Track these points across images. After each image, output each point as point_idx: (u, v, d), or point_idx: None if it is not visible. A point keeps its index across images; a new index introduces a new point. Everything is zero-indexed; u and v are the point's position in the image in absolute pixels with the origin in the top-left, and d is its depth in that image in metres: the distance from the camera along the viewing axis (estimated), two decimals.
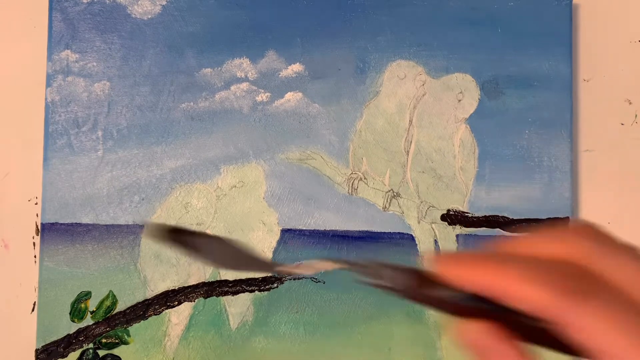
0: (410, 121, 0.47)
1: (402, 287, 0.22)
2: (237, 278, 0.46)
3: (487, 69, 0.47)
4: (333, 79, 0.47)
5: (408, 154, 0.47)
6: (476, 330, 0.22)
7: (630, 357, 0.19)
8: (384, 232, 0.46)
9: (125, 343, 0.46)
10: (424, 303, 0.22)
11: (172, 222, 0.47)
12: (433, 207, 0.47)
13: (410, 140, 0.47)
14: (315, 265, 0.23)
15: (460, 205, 0.47)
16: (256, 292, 0.46)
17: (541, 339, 0.21)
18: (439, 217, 0.47)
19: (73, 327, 0.46)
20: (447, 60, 0.47)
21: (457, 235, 0.46)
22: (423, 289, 0.21)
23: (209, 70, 0.48)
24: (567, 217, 0.46)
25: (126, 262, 0.46)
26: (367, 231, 0.46)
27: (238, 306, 0.46)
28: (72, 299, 0.46)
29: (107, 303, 0.46)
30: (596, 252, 0.20)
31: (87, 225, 0.46)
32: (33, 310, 0.48)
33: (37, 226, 0.48)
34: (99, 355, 0.46)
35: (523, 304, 0.20)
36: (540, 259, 0.20)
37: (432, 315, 0.46)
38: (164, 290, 0.46)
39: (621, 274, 0.20)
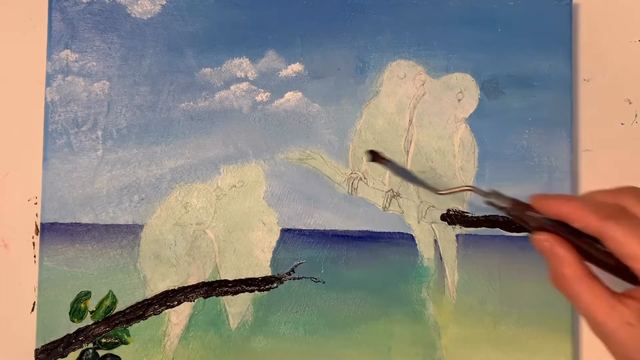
0: (410, 121, 0.47)
1: (511, 209, 0.35)
2: (237, 278, 0.46)
3: (487, 69, 0.47)
4: (333, 79, 0.47)
5: (408, 154, 0.47)
6: (547, 238, 0.33)
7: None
8: (384, 232, 0.46)
9: (125, 343, 0.46)
10: (521, 221, 0.35)
11: (172, 221, 0.46)
12: (433, 207, 0.46)
13: (410, 140, 0.47)
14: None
15: (460, 205, 0.46)
16: (256, 292, 0.46)
17: (592, 255, 0.33)
18: (439, 217, 0.47)
19: (73, 327, 0.46)
20: (447, 60, 0.47)
21: (457, 235, 0.46)
22: (523, 212, 0.35)
23: (208, 70, 0.48)
24: None
25: (126, 262, 0.46)
26: (367, 231, 0.46)
27: (238, 306, 0.46)
28: (72, 298, 0.46)
29: (107, 303, 0.46)
30: (635, 202, 0.32)
31: (86, 225, 0.46)
32: (33, 310, 0.48)
33: (36, 226, 0.48)
34: (98, 355, 0.46)
35: (580, 224, 0.32)
36: (598, 198, 0.33)
37: (432, 315, 0.46)
38: (163, 290, 0.46)
39: None
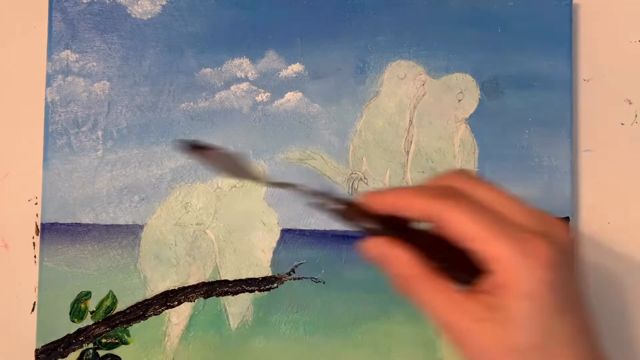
0: (410, 121, 0.47)
1: (340, 211, 0.30)
2: (237, 278, 0.46)
3: (487, 69, 0.47)
4: (333, 79, 0.47)
5: (408, 154, 0.47)
6: (378, 242, 0.29)
7: (482, 238, 0.26)
8: None
9: (125, 343, 0.46)
10: (356, 225, 0.30)
11: (172, 222, 0.47)
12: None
13: (410, 140, 0.47)
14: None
15: None
16: (256, 292, 0.46)
17: (428, 245, 0.29)
18: None
19: (73, 327, 0.46)
20: (447, 60, 0.47)
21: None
22: (357, 214, 0.30)
23: (209, 70, 0.48)
24: (567, 217, 0.46)
25: (126, 262, 0.46)
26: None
27: (238, 306, 0.46)
28: (72, 299, 0.46)
29: (107, 303, 0.46)
30: (468, 180, 0.29)
31: (87, 225, 0.46)
32: (33, 310, 0.48)
33: (37, 226, 0.48)
34: (98, 355, 0.46)
35: (419, 212, 0.28)
36: (430, 185, 0.30)
37: None
38: (164, 290, 0.46)
39: (492, 195, 0.28)
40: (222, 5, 0.48)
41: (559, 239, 0.26)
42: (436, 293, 0.28)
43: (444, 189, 0.28)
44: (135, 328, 0.46)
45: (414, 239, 0.29)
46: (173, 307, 0.46)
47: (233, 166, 0.34)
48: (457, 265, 0.28)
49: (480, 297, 0.27)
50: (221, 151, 0.34)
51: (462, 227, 0.27)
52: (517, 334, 0.26)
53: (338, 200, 0.30)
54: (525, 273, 0.25)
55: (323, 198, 0.30)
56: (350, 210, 0.30)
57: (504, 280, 0.26)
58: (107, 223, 0.46)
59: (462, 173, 0.30)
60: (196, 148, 0.33)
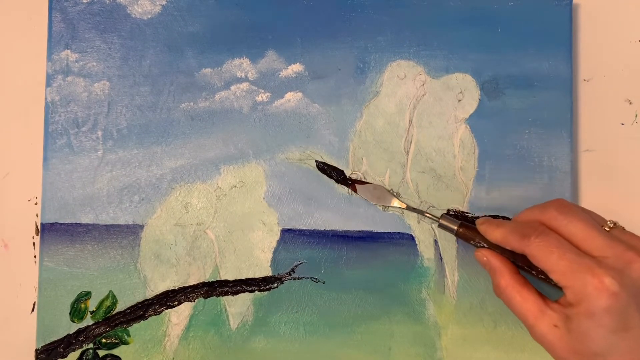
0: (410, 121, 0.47)
1: (460, 232, 0.42)
2: (237, 278, 0.46)
3: (487, 69, 0.47)
4: (333, 79, 0.47)
5: (408, 154, 0.47)
6: (484, 253, 0.39)
7: (559, 271, 0.33)
8: (384, 232, 0.46)
9: (125, 343, 0.46)
10: (469, 241, 0.41)
11: (172, 222, 0.47)
12: (433, 207, 0.47)
13: (410, 140, 0.47)
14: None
15: (460, 205, 0.47)
16: (256, 292, 0.46)
17: (527, 261, 0.37)
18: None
19: (73, 327, 0.46)
20: (447, 60, 0.47)
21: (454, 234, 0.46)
22: (472, 234, 0.41)
23: (209, 70, 0.48)
24: None
25: (126, 262, 0.46)
26: (367, 231, 0.46)
27: (238, 306, 0.46)
28: (72, 299, 0.46)
29: (107, 303, 0.46)
30: (555, 215, 0.35)
31: (87, 225, 0.46)
32: (33, 310, 0.48)
33: (37, 226, 0.48)
34: (99, 355, 0.46)
35: (509, 248, 0.37)
36: (521, 220, 0.38)
37: (432, 315, 0.46)
38: (164, 290, 0.46)
39: (574, 229, 0.34)
40: (222, 5, 0.48)
41: (627, 270, 0.32)
42: (523, 301, 0.36)
43: (528, 225, 0.36)
44: (135, 328, 0.46)
45: (515, 255, 0.38)
46: (173, 307, 0.46)
47: (381, 196, 0.46)
48: (547, 277, 0.37)
49: (558, 309, 0.35)
50: (371, 185, 0.46)
51: (543, 262, 0.34)
52: (580, 342, 0.33)
53: (463, 224, 0.42)
54: (589, 301, 0.32)
55: (446, 220, 0.42)
56: (467, 231, 0.41)
57: (573, 302, 0.33)
58: (107, 223, 0.46)
59: (554, 206, 0.36)
60: (352, 182, 0.46)
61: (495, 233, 0.38)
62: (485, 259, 0.39)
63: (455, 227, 0.42)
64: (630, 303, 0.32)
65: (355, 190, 0.46)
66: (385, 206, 0.46)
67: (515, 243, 0.36)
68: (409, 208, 0.45)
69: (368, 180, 0.47)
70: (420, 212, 0.45)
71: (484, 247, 0.40)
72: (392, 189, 0.47)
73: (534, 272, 0.38)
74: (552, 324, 0.34)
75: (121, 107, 0.47)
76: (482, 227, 0.39)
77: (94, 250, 0.46)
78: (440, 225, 0.42)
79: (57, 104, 0.47)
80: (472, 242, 0.41)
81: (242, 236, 0.46)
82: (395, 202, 0.46)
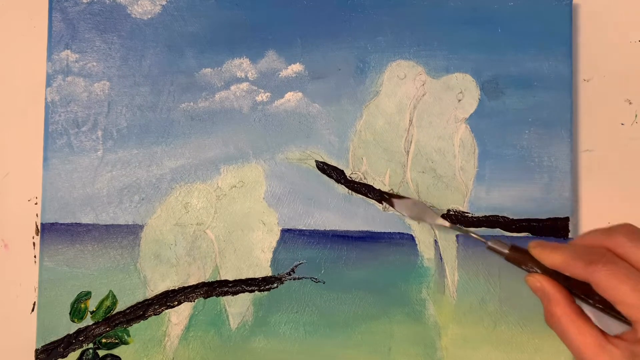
0: (410, 121, 0.47)
1: (509, 255, 0.39)
2: (237, 278, 0.46)
3: (487, 69, 0.47)
4: (333, 79, 0.47)
5: (408, 154, 0.47)
6: (538, 278, 0.36)
7: (628, 302, 0.31)
8: (384, 232, 0.46)
9: (125, 343, 0.46)
10: (520, 265, 0.38)
11: (172, 222, 0.47)
12: (433, 207, 0.47)
13: (410, 140, 0.47)
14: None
15: (460, 205, 0.47)
16: (256, 292, 0.46)
17: (584, 288, 0.34)
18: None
19: (73, 327, 0.46)
20: (447, 60, 0.47)
21: (457, 236, 0.46)
22: (522, 257, 0.38)
23: (209, 70, 0.48)
24: (567, 217, 0.46)
25: (126, 262, 0.46)
26: (367, 231, 0.46)
27: (238, 306, 0.46)
28: (72, 299, 0.46)
29: (107, 303, 0.46)
30: (624, 241, 0.32)
31: (87, 225, 0.46)
32: (33, 310, 0.48)
33: (37, 226, 0.48)
34: (98, 355, 0.46)
35: (570, 274, 0.34)
36: (585, 244, 0.35)
37: (432, 315, 0.46)
38: (164, 290, 0.46)
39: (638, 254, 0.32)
40: (222, 5, 0.48)
41: None
42: (580, 335, 0.33)
43: (595, 251, 0.33)
44: (135, 328, 0.46)
45: (569, 281, 0.35)
46: (173, 307, 0.46)
47: (421, 212, 0.45)
48: (612, 308, 0.33)
49: (621, 344, 0.32)
50: (409, 200, 0.45)
51: (610, 291, 0.31)
52: None
53: (507, 245, 0.39)
54: None
55: (495, 244, 0.39)
56: (517, 254, 0.38)
57: None
58: (107, 223, 0.46)
59: (622, 232, 0.33)
60: (389, 196, 0.45)
61: (553, 258, 0.35)
62: (538, 284, 0.36)
63: (506, 251, 0.39)
64: None
65: (392, 205, 0.45)
66: (421, 221, 0.45)
67: (578, 270, 0.33)
68: (453, 227, 0.44)
69: (402, 194, 0.46)
70: (467, 233, 0.43)
71: (536, 272, 0.37)
72: (391, 189, 0.47)
73: (590, 302, 0.35)
74: None
75: (121, 107, 0.47)
76: (536, 251, 0.36)
77: (94, 250, 0.46)
78: (489, 248, 0.40)
79: (57, 104, 0.47)
80: (523, 267, 0.38)
81: (242, 236, 0.46)
82: (439, 220, 0.44)
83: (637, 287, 0.31)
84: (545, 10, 0.47)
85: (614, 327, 0.34)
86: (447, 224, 0.44)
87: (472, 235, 0.42)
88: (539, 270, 0.37)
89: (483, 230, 0.46)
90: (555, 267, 0.35)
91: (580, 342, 0.33)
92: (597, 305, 0.35)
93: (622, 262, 0.32)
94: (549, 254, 0.35)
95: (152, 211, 0.47)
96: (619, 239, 0.33)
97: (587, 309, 0.35)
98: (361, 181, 0.47)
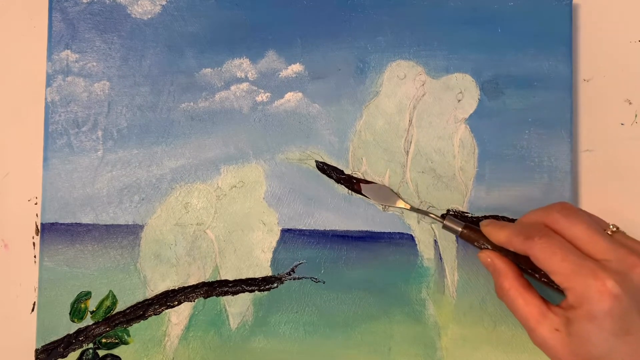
0: (410, 121, 0.47)
1: (463, 233, 0.42)
2: (237, 278, 0.46)
3: (487, 69, 0.47)
4: (333, 80, 0.47)
5: (408, 154, 0.47)
6: (488, 254, 0.39)
7: (561, 272, 0.33)
8: (384, 232, 0.46)
9: (125, 343, 0.46)
10: (473, 243, 0.41)
11: (172, 222, 0.47)
12: (433, 207, 0.47)
13: (410, 140, 0.47)
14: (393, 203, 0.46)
15: (460, 205, 0.47)
16: (256, 292, 0.46)
17: (529, 264, 0.37)
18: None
19: (73, 327, 0.46)
20: (447, 61, 0.47)
21: (457, 236, 0.46)
22: (475, 235, 0.41)
23: (209, 70, 0.48)
24: None
25: (126, 262, 0.46)
26: (367, 231, 0.46)
27: (238, 306, 0.46)
28: (72, 299, 0.46)
29: (107, 303, 0.46)
30: (558, 217, 0.35)
31: (87, 225, 0.46)
32: (33, 310, 0.48)
33: (37, 226, 0.48)
34: (98, 355, 0.46)
35: (512, 249, 0.37)
36: (525, 222, 0.37)
37: (432, 315, 0.46)
38: (164, 290, 0.46)
39: (577, 232, 0.34)
40: (222, 5, 0.48)
41: (630, 274, 0.32)
42: (526, 305, 0.36)
43: (532, 226, 0.36)
44: (135, 328, 0.46)
45: (518, 257, 0.38)
46: (173, 307, 0.46)
47: (385, 196, 0.46)
48: (552, 280, 0.35)
49: (559, 312, 0.34)
50: (375, 184, 0.46)
51: (544, 262, 0.34)
52: (581, 346, 0.33)
53: (467, 225, 0.41)
54: (591, 304, 0.32)
55: (450, 222, 0.42)
56: (471, 233, 0.41)
57: (575, 304, 0.33)
58: (107, 223, 0.46)
59: (557, 209, 0.36)
60: (357, 181, 0.46)
61: (499, 234, 0.38)
62: (489, 260, 0.39)
63: (460, 229, 0.41)
64: (632, 307, 0.32)
65: (360, 189, 0.46)
66: (386, 206, 0.46)
67: (518, 244, 0.36)
68: (412, 209, 0.45)
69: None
70: (424, 213, 0.45)
71: (487, 248, 0.40)
72: (391, 189, 0.47)
73: (537, 275, 0.38)
74: (554, 328, 0.34)
75: (121, 107, 0.47)
76: (486, 229, 0.39)
77: (94, 250, 0.46)
78: (444, 227, 0.42)
79: (57, 104, 0.47)
80: (475, 243, 0.41)
81: (242, 236, 0.46)
82: (400, 203, 0.46)
83: (567, 257, 0.33)
84: (545, 10, 0.47)
85: (559, 300, 0.36)
86: (408, 206, 0.45)
87: (431, 215, 0.44)
88: (490, 247, 0.40)
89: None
90: (500, 244, 0.38)
91: (526, 312, 0.35)
92: (542, 279, 0.38)
93: (556, 236, 0.34)
94: (496, 231, 0.38)
95: (152, 211, 0.47)
96: (554, 216, 0.35)
97: (535, 284, 0.38)
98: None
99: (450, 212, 0.46)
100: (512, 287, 0.37)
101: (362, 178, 0.47)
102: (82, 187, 0.47)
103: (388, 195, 0.46)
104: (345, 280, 0.46)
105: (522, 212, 0.46)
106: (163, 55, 0.48)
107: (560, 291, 0.35)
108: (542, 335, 0.35)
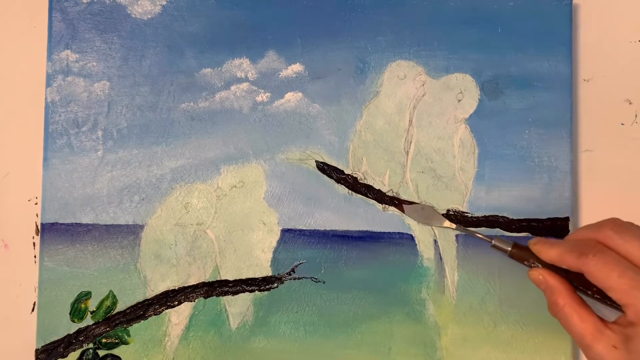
0: (410, 121, 0.47)
1: (513, 252, 0.40)
2: (237, 278, 0.46)
3: (487, 69, 0.47)
4: (333, 80, 0.47)
5: (408, 154, 0.47)
6: (540, 272, 0.38)
7: (618, 288, 0.33)
8: (384, 232, 0.46)
9: (125, 343, 0.46)
10: (523, 262, 0.40)
11: (173, 222, 0.47)
12: (433, 207, 0.47)
13: (410, 140, 0.47)
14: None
15: (460, 205, 0.47)
16: (256, 292, 0.46)
17: (583, 280, 0.36)
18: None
19: (73, 327, 0.46)
20: (447, 60, 0.47)
21: (456, 236, 0.46)
22: (524, 253, 0.40)
23: (209, 70, 0.48)
24: (567, 217, 0.46)
25: (126, 262, 0.46)
26: (367, 231, 0.46)
27: (238, 306, 0.46)
28: (72, 299, 0.46)
29: (107, 303, 0.46)
30: (611, 234, 0.35)
31: (87, 225, 0.46)
32: (33, 310, 0.48)
33: (37, 226, 0.48)
34: (99, 355, 0.46)
35: (565, 267, 0.36)
36: (576, 239, 0.37)
37: (432, 315, 0.46)
38: (164, 290, 0.46)
39: (631, 247, 0.34)
40: (222, 5, 0.48)
41: None
42: (581, 322, 0.35)
43: (585, 243, 0.35)
44: (135, 328, 0.46)
45: (568, 275, 0.38)
46: (173, 307, 0.46)
47: (429, 216, 0.46)
48: (606, 297, 0.35)
49: (617, 329, 0.34)
50: (418, 205, 0.46)
51: (600, 279, 0.34)
52: None
53: (516, 244, 0.41)
54: None
55: (499, 242, 0.41)
56: (520, 251, 0.40)
57: (634, 320, 0.33)
58: (107, 223, 0.46)
59: (609, 225, 0.35)
60: (399, 202, 0.46)
61: (549, 252, 0.37)
62: (540, 277, 0.38)
63: (509, 248, 0.41)
64: None
65: (402, 210, 0.46)
66: (426, 223, 0.46)
67: (572, 262, 0.35)
68: (459, 228, 0.45)
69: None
70: (471, 233, 0.44)
71: (537, 267, 0.39)
72: (391, 189, 0.47)
73: (589, 292, 0.37)
74: (611, 345, 0.34)
75: (121, 107, 0.47)
76: (536, 247, 0.39)
77: (94, 250, 0.46)
78: (493, 247, 0.41)
79: (57, 104, 0.47)
80: (525, 262, 0.40)
81: (242, 236, 0.47)
82: (446, 223, 0.45)
83: (624, 273, 0.33)
84: (545, 10, 0.47)
85: (613, 316, 0.36)
86: (453, 226, 0.45)
87: (478, 235, 0.43)
88: (540, 266, 0.39)
89: (483, 230, 0.46)
90: (552, 262, 0.37)
91: (581, 328, 0.35)
92: (595, 296, 0.37)
93: (610, 252, 0.34)
94: (547, 249, 0.38)
95: (152, 211, 0.47)
96: (607, 232, 0.35)
97: (587, 301, 0.37)
98: (362, 182, 0.47)
99: (451, 212, 0.46)
100: (567, 304, 0.36)
101: (404, 199, 0.47)
102: (82, 187, 0.47)
103: (431, 214, 0.46)
104: (345, 280, 0.46)
105: (522, 212, 0.46)
106: (163, 55, 0.48)
107: (616, 308, 0.35)
108: (600, 352, 0.34)
